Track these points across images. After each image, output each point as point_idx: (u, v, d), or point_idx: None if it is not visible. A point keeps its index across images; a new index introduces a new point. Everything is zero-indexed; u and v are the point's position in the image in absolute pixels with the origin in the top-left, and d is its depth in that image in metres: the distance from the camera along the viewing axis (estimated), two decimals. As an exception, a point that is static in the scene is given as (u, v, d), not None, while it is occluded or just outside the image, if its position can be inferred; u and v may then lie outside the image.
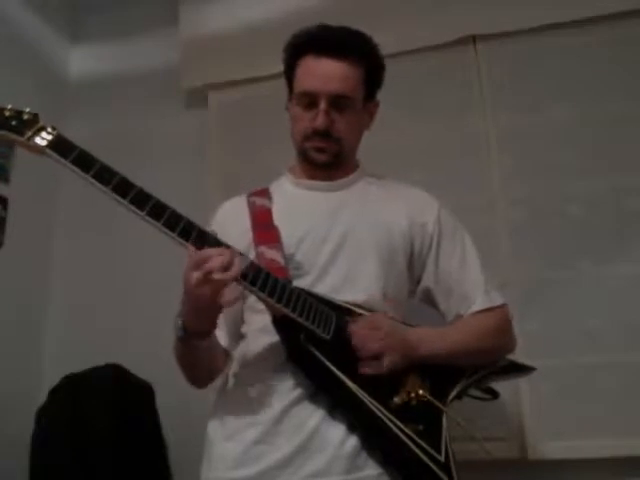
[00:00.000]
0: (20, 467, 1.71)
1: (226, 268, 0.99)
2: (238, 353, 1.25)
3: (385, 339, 1.14)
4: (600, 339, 1.75)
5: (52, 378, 1.85)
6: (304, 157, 1.32)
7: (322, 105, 1.24)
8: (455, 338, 1.23)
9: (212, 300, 1.02)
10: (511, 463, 1.68)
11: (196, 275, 0.99)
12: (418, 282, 1.32)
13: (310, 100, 1.26)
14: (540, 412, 1.74)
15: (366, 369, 1.12)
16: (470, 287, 1.28)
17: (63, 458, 1.68)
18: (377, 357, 1.13)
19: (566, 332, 1.78)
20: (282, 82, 1.38)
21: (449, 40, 2.03)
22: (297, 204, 1.32)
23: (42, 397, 1.82)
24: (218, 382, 1.28)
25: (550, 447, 1.71)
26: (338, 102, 1.25)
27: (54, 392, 1.81)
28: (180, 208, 1.07)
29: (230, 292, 1.03)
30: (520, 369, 1.35)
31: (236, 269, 1.00)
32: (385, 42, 1.34)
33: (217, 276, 0.98)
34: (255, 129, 2.19)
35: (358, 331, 1.13)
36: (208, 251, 1.01)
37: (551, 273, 1.84)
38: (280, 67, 1.37)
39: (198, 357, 1.18)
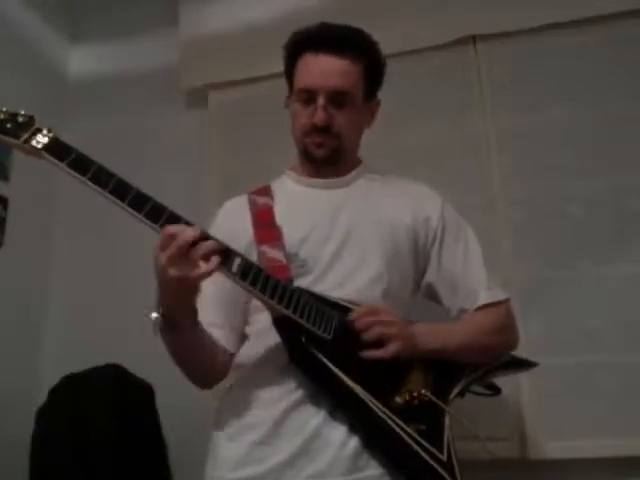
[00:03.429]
0: (20, 467, 1.71)
1: (194, 243, 0.98)
2: (241, 354, 1.25)
3: (388, 324, 1.12)
4: (600, 339, 1.75)
5: (52, 378, 1.85)
6: (304, 153, 1.32)
7: (320, 101, 1.24)
8: (461, 333, 1.23)
9: (180, 281, 1.00)
10: (512, 463, 1.68)
11: (167, 254, 0.98)
12: (423, 275, 1.31)
13: (309, 96, 1.26)
14: (540, 412, 1.74)
15: (370, 354, 1.10)
16: (473, 283, 1.27)
17: (63, 458, 1.68)
18: (381, 343, 1.11)
19: (566, 332, 1.78)
20: (282, 82, 1.37)
21: (449, 40, 2.03)
22: (299, 202, 1.31)
23: (42, 397, 1.82)
24: (222, 383, 1.27)
25: (550, 447, 1.71)
26: (337, 98, 1.25)
27: (54, 392, 1.81)
28: (180, 208, 1.06)
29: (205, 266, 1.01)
30: (522, 364, 1.36)
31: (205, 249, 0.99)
32: (385, 42, 1.34)
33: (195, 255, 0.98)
34: (255, 129, 2.19)
35: (360, 317, 1.12)
36: (173, 228, 1.00)
37: (551, 273, 1.84)
38: (280, 67, 1.37)
39: (187, 350, 1.15)
